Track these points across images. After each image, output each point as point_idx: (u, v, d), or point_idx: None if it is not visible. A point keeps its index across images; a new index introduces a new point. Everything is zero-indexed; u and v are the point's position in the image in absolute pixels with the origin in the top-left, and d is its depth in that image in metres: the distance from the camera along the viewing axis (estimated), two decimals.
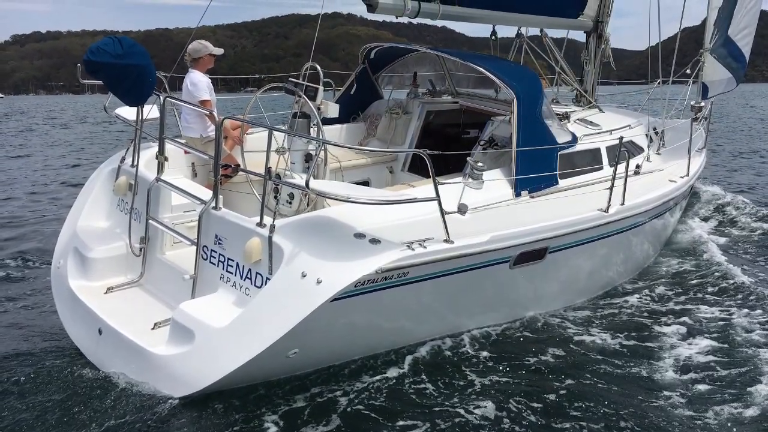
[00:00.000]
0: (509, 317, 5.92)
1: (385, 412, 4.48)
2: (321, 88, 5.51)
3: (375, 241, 4.50)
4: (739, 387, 4.94)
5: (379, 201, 4.54)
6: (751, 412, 4.59)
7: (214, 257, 4.98)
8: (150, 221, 5.48)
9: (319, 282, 4.27)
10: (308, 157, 5.45)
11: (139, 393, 4.42)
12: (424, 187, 5.19)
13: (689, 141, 8.26)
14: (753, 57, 10.49)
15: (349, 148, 5.93)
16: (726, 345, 5.67)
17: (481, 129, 6.94)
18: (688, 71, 9.23)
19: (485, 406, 4.59)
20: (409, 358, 5.15)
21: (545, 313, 6.15)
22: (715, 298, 6.86)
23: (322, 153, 5.45)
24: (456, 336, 5.53)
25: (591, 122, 7.89)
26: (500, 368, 5.15)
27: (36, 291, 6.79)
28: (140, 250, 5.56)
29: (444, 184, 4.89)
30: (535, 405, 4.65)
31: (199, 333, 4.39)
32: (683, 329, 6.01)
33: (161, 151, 5.56)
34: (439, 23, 7.56)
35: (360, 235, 4.52)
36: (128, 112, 6.07)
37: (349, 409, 4.49)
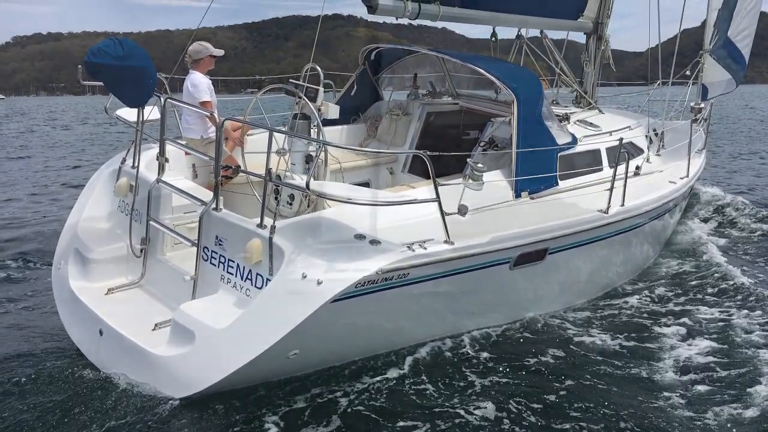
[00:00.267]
0: (509, 318, 5.92)
1: (385, 413, 4.49)
2: (321, 89, 5.52)
3: (375, 242, 4.51)
4: (739, 388, 4.95)
5: (379, 202, 4.55)
6: (750, 412, 4.59)
7: (215, 258, 4.99)
8: (151, 222, 5.49)
9: (319, 283, 4.27)
10: (308, 159, 5.45)
11: (139, 394, 4.43)
12: (425, 188, 5.20)
13: (689, 142, 8.27)
14: (753, 58, 10.50)
15: (350, 149, 5.94)
16: (726, 346, 5.68)
17: (481, 130, 6.96)
18: (687, 73, 9.25)
19: (485, 407, 4.60)
20: (409, 359, 5.16)
21: (545, 313, 6.16)
22: (715, 299, 6.87)
23: (323, 154, 5.46)
24: (456, 337, 5.54)
25: (591, 123, 7.90)
26: (500, 369, 5.16)
27: (37, 292, 6.79)
28: (141, 251, 5.57)
29: (444, 185, 4.90)
30: (535, 406, 4.66)
31: (199, 334, 4.40)
32: (683, 330, 6.02)
33: (162, 152, 5.57)
34: (439, 24, 7.58)
35: (360, 236, 4.53)
36: (129, 114, 6.07)
37: (349, 410, 4.50)
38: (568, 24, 9.11)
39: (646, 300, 6.88)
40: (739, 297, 6.84)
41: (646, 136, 8.52)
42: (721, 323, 6.18)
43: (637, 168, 7.36)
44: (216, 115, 5.98)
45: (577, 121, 7.83)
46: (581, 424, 4.44)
